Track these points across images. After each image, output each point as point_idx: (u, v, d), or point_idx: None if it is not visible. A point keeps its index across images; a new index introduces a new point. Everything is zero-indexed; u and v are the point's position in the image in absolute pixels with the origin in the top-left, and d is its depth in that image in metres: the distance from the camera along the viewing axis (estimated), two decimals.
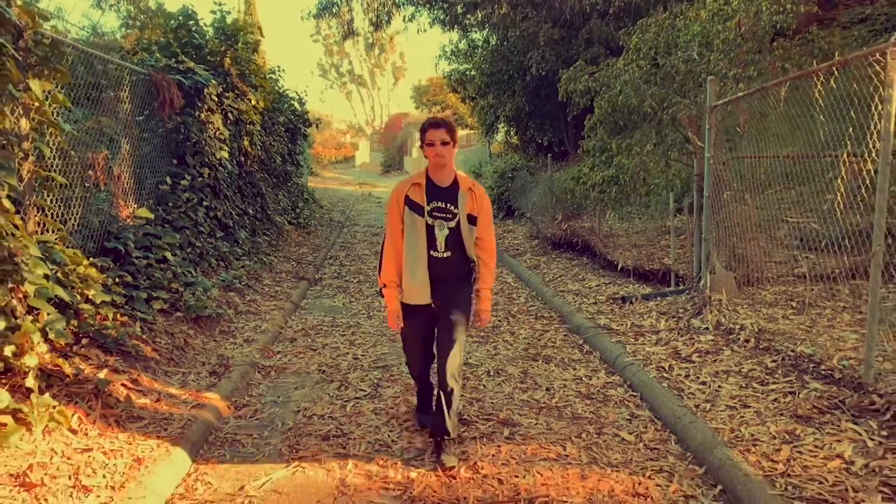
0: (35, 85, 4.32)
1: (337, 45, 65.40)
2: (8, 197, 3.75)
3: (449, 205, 3.75)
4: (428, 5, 18.01)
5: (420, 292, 3.75)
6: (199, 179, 7.85)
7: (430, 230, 3.74)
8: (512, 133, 21.74)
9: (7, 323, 3.75)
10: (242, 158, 9.95)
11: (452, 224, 3.76)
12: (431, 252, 3.75)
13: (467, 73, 20.97)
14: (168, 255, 6.33)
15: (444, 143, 3.68)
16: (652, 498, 3.47)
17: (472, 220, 3.81)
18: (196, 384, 4.97)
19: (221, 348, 5.89)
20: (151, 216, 6.34)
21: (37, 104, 4.45)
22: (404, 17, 18.97)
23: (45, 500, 3.17)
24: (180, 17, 9.08)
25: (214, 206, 8.25)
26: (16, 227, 3.95)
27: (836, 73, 4.74)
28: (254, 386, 5.29)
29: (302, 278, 9.44)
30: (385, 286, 3.84)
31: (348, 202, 23.05)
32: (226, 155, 8.59)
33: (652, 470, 3.78)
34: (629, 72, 9.06)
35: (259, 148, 10.84)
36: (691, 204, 7.67)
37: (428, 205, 3.74)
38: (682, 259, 8.00)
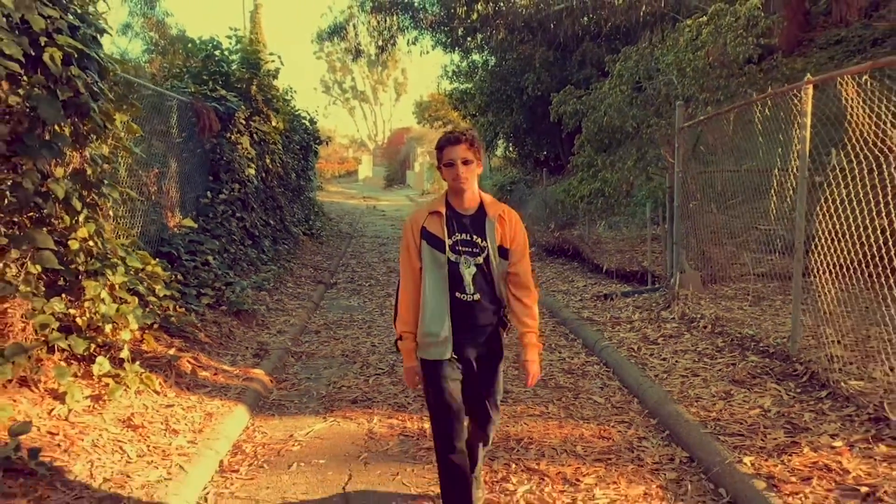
0: (116, 117, 5.36)
1: (340, 62, 66.77)
2: (111, 206, 4.76)
3: (475, 236, 3.10)
4: (430, 30, 19.13)
5: (441, 345, 3.09)
6: (232, 194, 8.90)
7: (453, 268, 3.08)
8: (511, 148, 22.80)
9: (105, 308, 4.75)
10: (264, 175, 10.99)
11: (480, 259, 3.10)
12: (457, 294, 3.09)
13: (468, 91, 22.05)
14: (210, 258, 7.36)
15: (467, 163, 3.02)
16: (613, 440, 4.46)
17: (504, 252, 3.14)
18: (243, 363, 5.98)
19: (259, 337, 6.90)
20: (195, 226, 7.38)
21: (116, 133, 5.49)
22: (408, 40, 20.10)
23: (148, 437, 4.17)
24: (208, 47, 10.12)
25: (243, 217, 9.29)
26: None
27: (769, 102, 5.77)
28: (289, 367, 6.30)
29: (319, 282, 10.46)
30: (401, 338, 3.22)
31: (354, 215, 24.08)
32: (253, 172, 9.65)
33: (616, 421, 4.77)
34: (613, 95, 10.13)
35: (279, 165, 11.90)
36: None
37: (450, 238, 3.08)
38: (659, 262, 9.01)
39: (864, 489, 3.31)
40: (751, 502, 3.42)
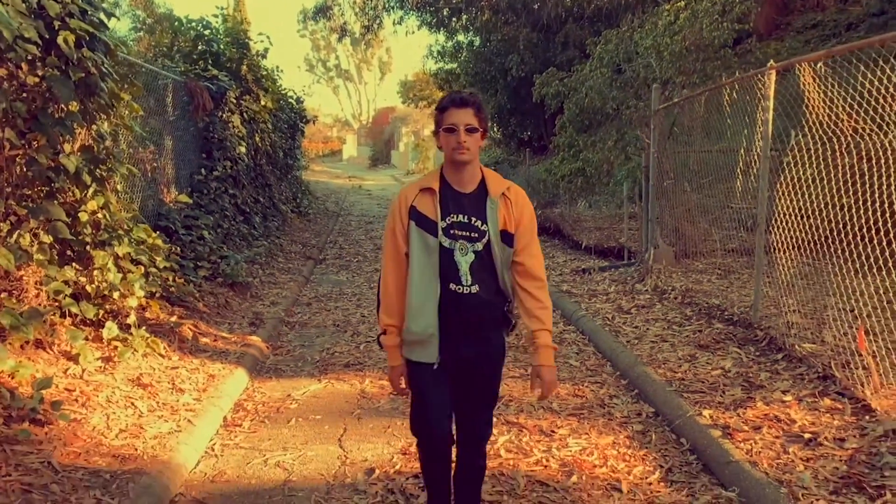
0: (122, 96, 5.62)
1: (324, 41, 66.46)
2: (118, 181, 5.05)
3: (474, 219, 2.67)
4: (416, 10, 19.32)
5: (427, 345, 2.68)
6: (224, 171, 9.17)
7: (447, 255, 2.65)
8: (495, 129, 23.06)
9: (112, 276, 5.05)
10: (254, 153, 11.24)
11: (479, 246, 2.66)
12: (452, 286, 2.65)
13: (453, 72, 22.28)
14: (205, 233, 7.65)
15: (471, 131, 2.59)
16: (586, 398, 4.85)
17: (508, 238, 2.69)
18: (240, 331, 6.31)
19: (254, 307, 7.22)
20: (190, 201, 7.65)
21: (119, 111, 5.75)
22: (393, 20, 20.30)
23: (157, 395, 4.50)
24: (197, 27, 10.29)
25: (235, 194, 9.58)
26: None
27: (737, 86, 6.13)
28: (284, 335, 6.64)
29: (309, 258, 10.78)
30: (385, 332, 2.77)
31: (340, 194, 24.29)
32: (243, 150, 9.91)
33: (589, 382, 5.17)
34: (594, 78, 10.47)
35: (268, 143, 12.14)
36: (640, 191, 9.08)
37: (443, 220, 2.65)
38: (635, 238, 9.42)
39: (807, 436, 3.72)
40: (707, 448, 3.82)
